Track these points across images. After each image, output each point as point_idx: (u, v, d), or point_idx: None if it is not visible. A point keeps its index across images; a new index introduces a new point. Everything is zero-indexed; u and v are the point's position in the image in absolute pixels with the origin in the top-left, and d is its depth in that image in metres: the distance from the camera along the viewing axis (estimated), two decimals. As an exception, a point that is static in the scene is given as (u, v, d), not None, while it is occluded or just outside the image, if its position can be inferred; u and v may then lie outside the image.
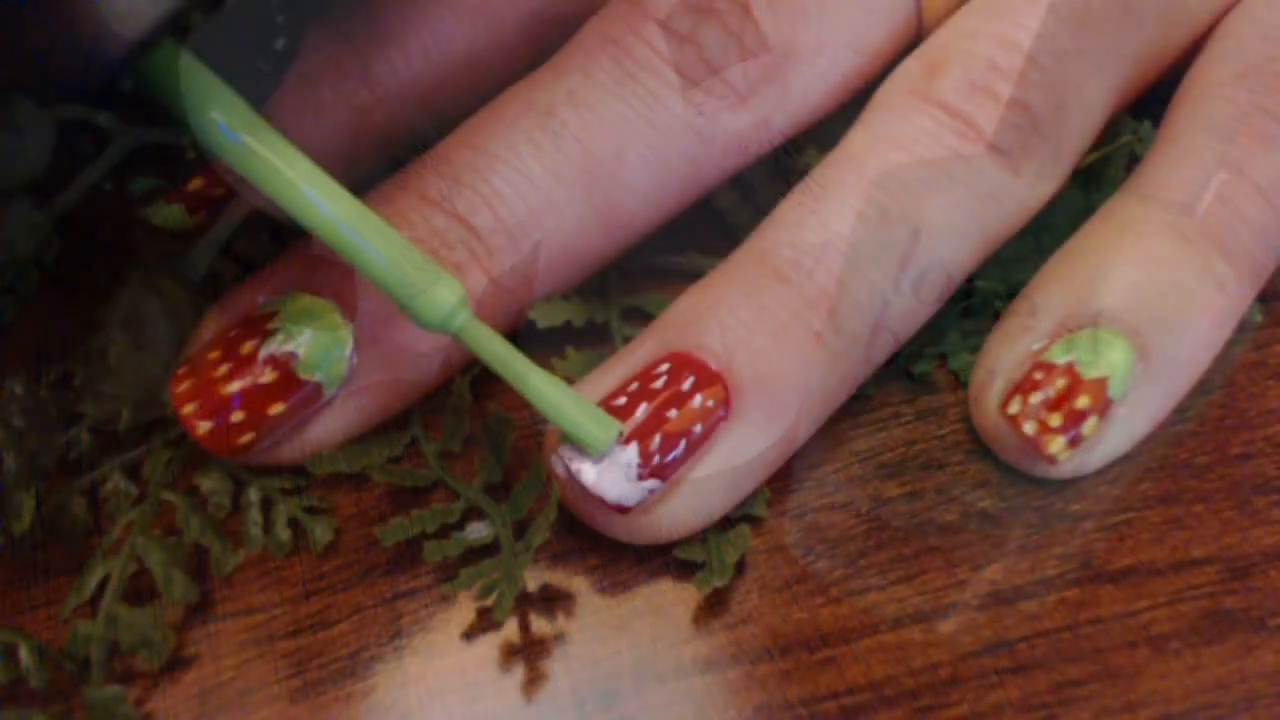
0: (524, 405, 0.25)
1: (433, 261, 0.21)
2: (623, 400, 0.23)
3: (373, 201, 0.24)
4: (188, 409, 0.23)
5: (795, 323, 0.23)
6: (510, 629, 0.23)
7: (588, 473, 0.22)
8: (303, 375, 0.23)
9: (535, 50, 0.26)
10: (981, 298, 0.26)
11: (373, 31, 0.25)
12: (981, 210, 0.24)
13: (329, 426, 0.24)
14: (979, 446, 0.25)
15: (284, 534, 0.24)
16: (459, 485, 0.24)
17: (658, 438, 0.22)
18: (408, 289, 0.21)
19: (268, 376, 0.23)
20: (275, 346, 0.23)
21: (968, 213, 0.24)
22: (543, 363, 0.25)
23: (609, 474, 0.22)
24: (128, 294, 0.26)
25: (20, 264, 0.24)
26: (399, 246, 0.21)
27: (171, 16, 0.18)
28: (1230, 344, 0.26)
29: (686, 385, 0.22)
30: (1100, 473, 0.24)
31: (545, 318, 0.25)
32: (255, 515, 0.24)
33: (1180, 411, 0.25)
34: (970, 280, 0.26)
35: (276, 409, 0.23)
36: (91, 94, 0.19)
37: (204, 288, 0.26)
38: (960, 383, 0.26)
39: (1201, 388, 0.25)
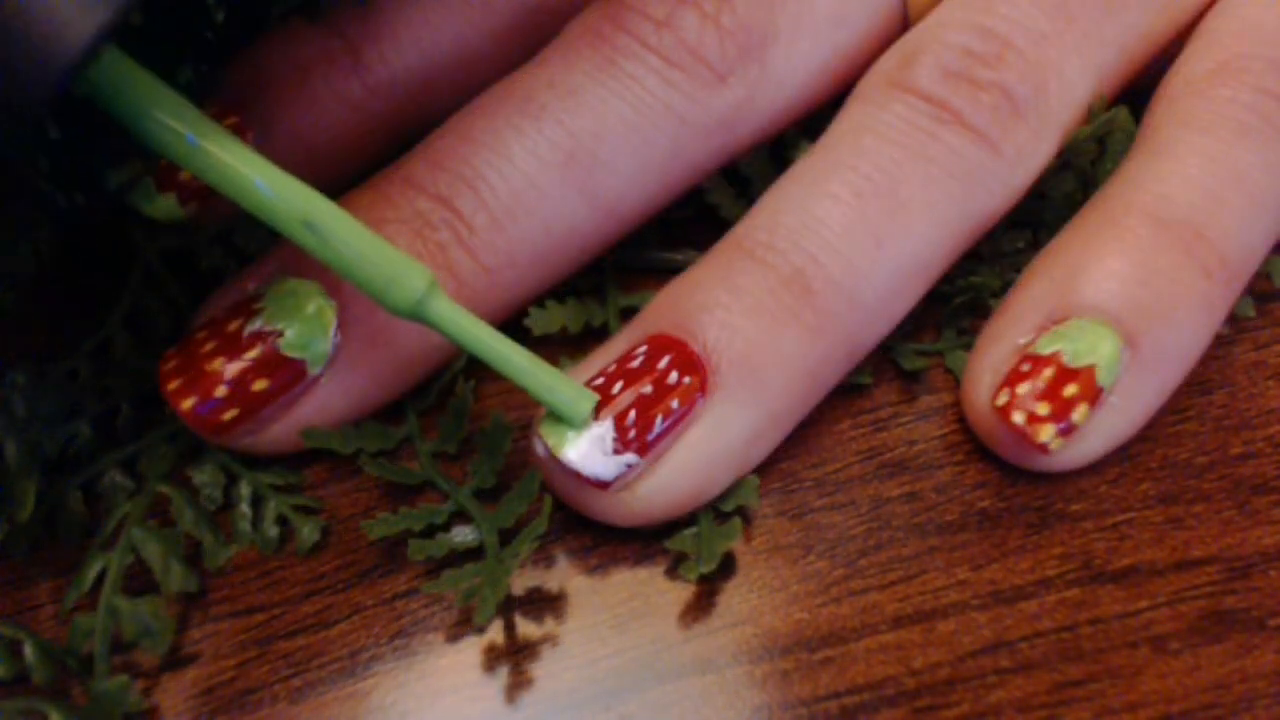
0: (524, 406, 0.25)
1: (399, 250, 0.21)
2: (600, 381, 0.23)
3: (361, 188, 0.25)
4: (172, 385, 0.23)
5: (770, 300, 0.23)
6: (511, 629, 0.23)
7: (565, 448, 0.22)
8: (287, 352, 0.23)
9: (528, 42, 0.26)
10: (976, 295, 0.26)
11: (364, 23, 0.25)
12: (960, 190, 0.24)
13: (316, 406, 0.24)
14: (979, 446, 0.25)
15: (272, 531, 0.24)
16: (449, 487, 0.24)
17: (632, 412, 0.22)
18: (376, 277, 0.21)
19: (252, 353, 0.23)
20: (260, 324, 0.23)
21: (945, 192, 0.24)
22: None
23: (586, 448, 0.22)
24: (129, 291, 0.26)
25: (17, 249, 0.24)
26: (364, 236, 0.21)
27: (113, 25, 0.18)
28: (1230, 344, 0.26)
29: (663, 363, 0.23)
30: (1100, 473, 0.24)
31: (540, 324, 0.25)
32: (245, 510, 0.24)
33: (1180, 411, 0.25)
34: (966, 278, 0.26)
35: (260, 385, 0.23)
36: (37, 110, 0.18)
37: (204, 283, 0.26)
38: (958, 381, 0.26)
39: (1201, 387, 0.25)
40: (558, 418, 0.22)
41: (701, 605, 0.23)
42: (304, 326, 0.23)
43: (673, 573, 0.23)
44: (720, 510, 0.24)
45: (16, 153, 0.19)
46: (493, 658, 0.23)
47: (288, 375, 0.23)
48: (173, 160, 0.20)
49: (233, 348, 0.23)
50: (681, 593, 0.23)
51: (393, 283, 0.21)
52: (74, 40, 0.18)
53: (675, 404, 0.22)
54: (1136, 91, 0.27)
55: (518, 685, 0.22)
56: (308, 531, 0.24)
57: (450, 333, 0.21)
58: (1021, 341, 0.24)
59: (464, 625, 0.23)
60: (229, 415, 0.23)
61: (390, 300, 0.21)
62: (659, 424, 0.22)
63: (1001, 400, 0.23)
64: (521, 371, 0.22)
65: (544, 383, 0.22)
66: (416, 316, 0.21)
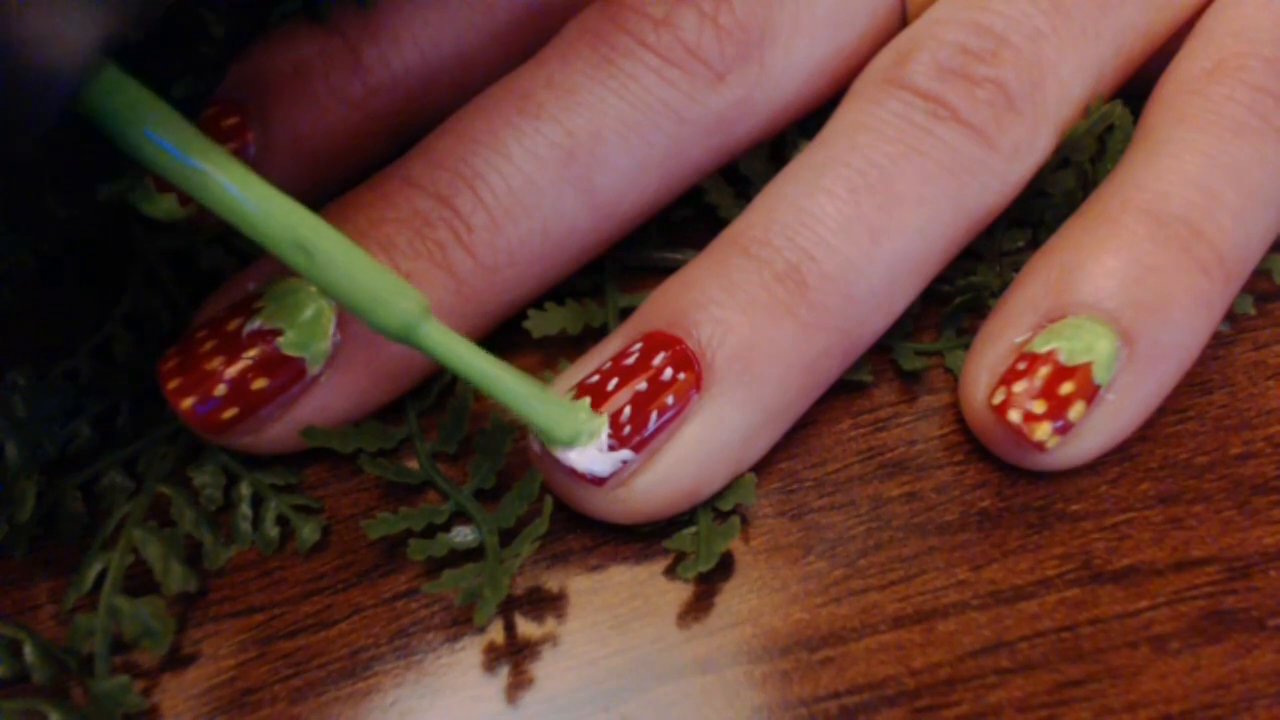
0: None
1: (392, 272, 0.21)
2: (595, 379, 0.23)
3: (361, 188, 0.25)
4: (172, 384, 0.23)
5: (764, 295, 0.23)
6: (511, 629, 0.23)
7: (561, 445, 0.22)
8: (286, 351, 0.23)
9: (528, 42, 0.26)
10: (976, 294, 0.26)
11: (364, 23, 0.26)
12: (955, 184, 0.24)
13: (315, 405, 0.24)
14: (979, 446, 0.25)
15: (272, 530, 0.24)
16: (449, 487, 0.24)
17: (627, 409, 0.22)
18: (367, 301, 0.21)
19: (251, 353, 0.23)
20: (259, 323, 0.23)
21: (940, 187, 0.24)
22: (537, 374, 0.26)
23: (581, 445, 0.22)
24: (129, 291, 0.26)
25: (17, 249, 0.24)
26: (357, 258, 0.21)
27: (113, 40, 0.17)
28: (1230, 344, 0.26)
29: (657, 360, 0.23)
30: (1100, 473, 0.24)
31: (539, 327, 0.25)
32: (245, 510, 0.24)
33: (1180, 411, 0.25)
34: (965, 277, 0.26)
35: (259, 384, 0.23)
36: (35, 132, 0.17)
37: (204, 283, 0.26)
38: (958, 381, 0.26)
39: (1201, 387, 0.25)
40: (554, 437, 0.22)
41: (701, 605, 0.23)
42: (303, 326, 0.23)
43: (673, 573, 0.23)
44: (719, 509, 0.24)
45: (12, 169, 0.18)
46: (493, 658, 0.23)
47: (287, 374, 0.23)
48: (165, 178, 0.20)
49: (232, 347, 0.23)
50: (681, 593, 0.23)
51: (383, 306, 0.21)
52: (75, 57, 0.17)
53: (670, 400, 0.22)
54: (1134, 90, 0.27)
55: (518, 685, 0.22)
56: (308, 531, 0.24)
57: (441, 357, 0.21)
58: (1018, 340, 0.24)
59: (464, 625, 0.23)
60: (228, 414, 0.23)
61: (380, 323, 0.21)
62: (654, 420, 0.22)
63: (998, 399, 0.23)
64: (514, 396, 0.22)
65: (538, 407, 0.22)
66: (407, 340, 0.21)
